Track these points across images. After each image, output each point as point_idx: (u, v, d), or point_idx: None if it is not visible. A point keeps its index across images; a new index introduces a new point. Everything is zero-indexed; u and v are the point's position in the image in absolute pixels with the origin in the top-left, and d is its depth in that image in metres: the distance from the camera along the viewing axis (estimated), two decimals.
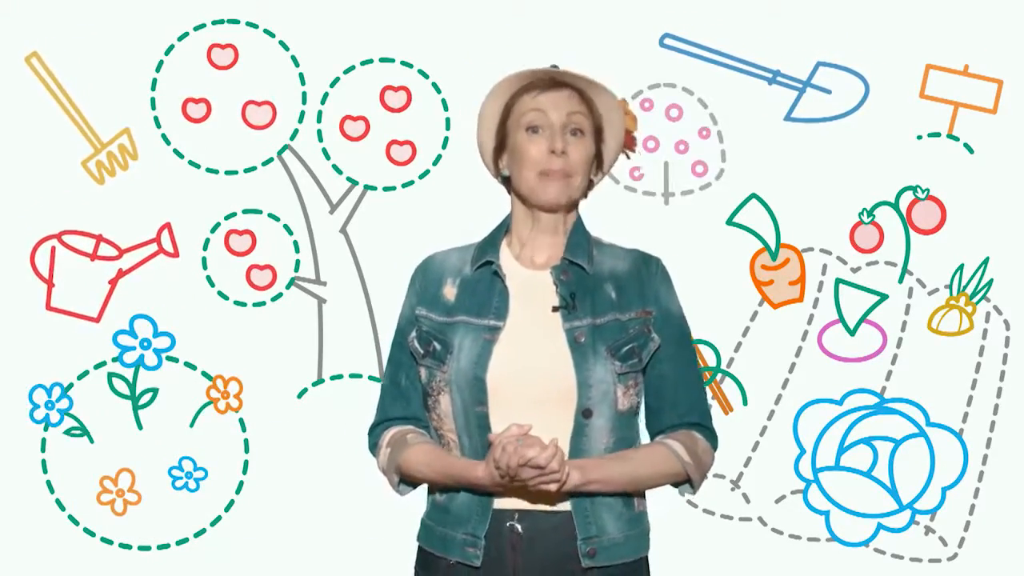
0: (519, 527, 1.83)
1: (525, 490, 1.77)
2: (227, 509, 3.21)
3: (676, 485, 1.94)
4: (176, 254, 3.17)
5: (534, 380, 1.83)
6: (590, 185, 1.96)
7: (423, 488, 1.98)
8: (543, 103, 1.88)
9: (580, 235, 1.94)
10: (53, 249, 3.15)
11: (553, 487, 1.75)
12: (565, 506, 1.84)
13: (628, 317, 1.88)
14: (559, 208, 1.91)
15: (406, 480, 1.96)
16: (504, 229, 1.97)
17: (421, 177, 3.20)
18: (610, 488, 1.83)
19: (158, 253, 3.17)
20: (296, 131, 3.19)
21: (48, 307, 3.15)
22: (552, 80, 1.89)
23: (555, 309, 1.87)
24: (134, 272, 3.17)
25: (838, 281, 3.19)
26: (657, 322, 1.91)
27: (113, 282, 3.16)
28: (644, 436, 1.96)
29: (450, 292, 1.94)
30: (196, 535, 3.20)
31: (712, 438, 1.95)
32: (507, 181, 1.96)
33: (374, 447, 2.01)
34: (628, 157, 2.02)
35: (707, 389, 2.00)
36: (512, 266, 1.93)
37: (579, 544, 1.83)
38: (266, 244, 3.19)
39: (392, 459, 1.95)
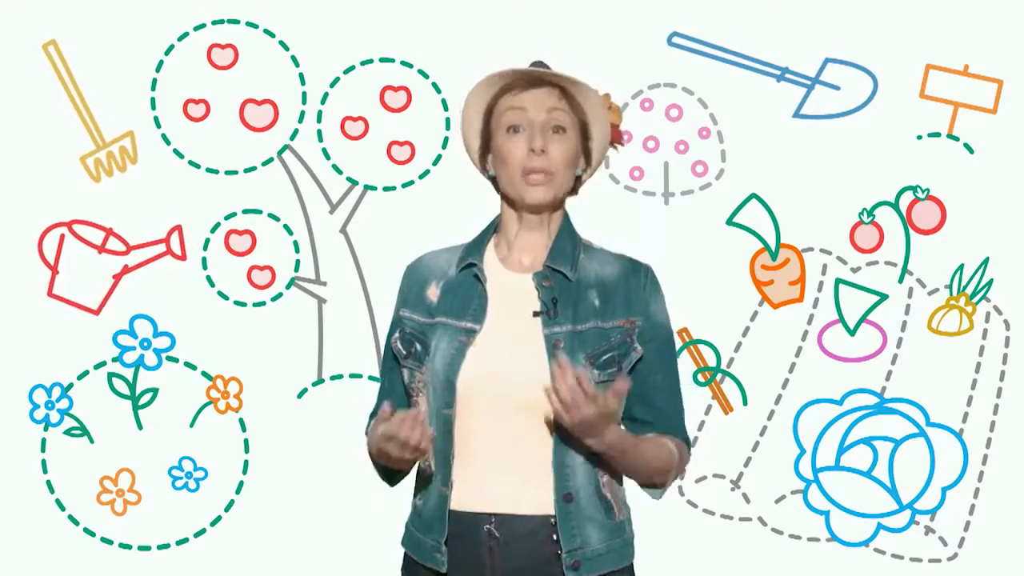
0: (496, 531, 1.82)
1: (500, 492, 1.80)
2: (227, 509, 3.21)
3: (645, 485, 1.92)
4: (184, 257, 3.17)
5: (508, 386, 1.80)
6: (579, 181, 1.92)
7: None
8: (523, 101, 1.85)
9: (566, 239, 1.90)
10: (62, 237, 3.15)
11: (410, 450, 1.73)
12: (544, 510, 1.82)
13: (610, 325, 1.85)
14: (544, 209, 1.88)
15: (388, 468, 1.94)
16: (493, 228, 1.96)
17: (421, 177, 3.20)
18: (618, 454, 1.80)
19: (166, 254, 3.17)
20: (296, 131, 3.19)
21: (50, 294, 3.15)
22: (533, 78, 1.86)
23: (536, 314, 1.84)
24: (134, 271, 3.17)
25: (838, 281, 3.19)
26: (644, 333, 1.87)
27: (117, 277, 3.16)
28: None
29: (433, 293, 1.92)
30: (196, 535, 3.20)
31: (690, 447, 1.96)
32: (494, 181, 1.93)
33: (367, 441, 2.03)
34: (616, 150, 1.98)
35: (683, 400, 1.97)
36: (496, 268, 1.91)
37: (564, 557, 1.81)
38: (266, 244, 3.19)
39: (369, 448, 1.96)
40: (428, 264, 1.97)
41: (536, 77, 1.86)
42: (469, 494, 1.83)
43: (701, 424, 3.18)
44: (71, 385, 3.17)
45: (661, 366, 1.90)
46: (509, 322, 1.85)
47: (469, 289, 1.89)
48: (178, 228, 3.17)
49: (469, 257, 1.92)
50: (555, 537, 1.81)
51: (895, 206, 3.18)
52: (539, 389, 1.77)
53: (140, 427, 3.18)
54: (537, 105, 1.85)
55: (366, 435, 2.03)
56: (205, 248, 3.19)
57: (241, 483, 3.21)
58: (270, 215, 3.19)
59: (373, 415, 2.05)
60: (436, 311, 1.90)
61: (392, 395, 1.98)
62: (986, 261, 3.18)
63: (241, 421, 3.20)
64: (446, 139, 3.19)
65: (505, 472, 1.82)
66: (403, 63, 3.18)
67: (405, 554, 1.95)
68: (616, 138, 1.95)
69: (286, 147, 3.19)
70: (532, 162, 1.83)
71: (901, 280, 3.20)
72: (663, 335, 1.91)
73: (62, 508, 3.18)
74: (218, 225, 3.18)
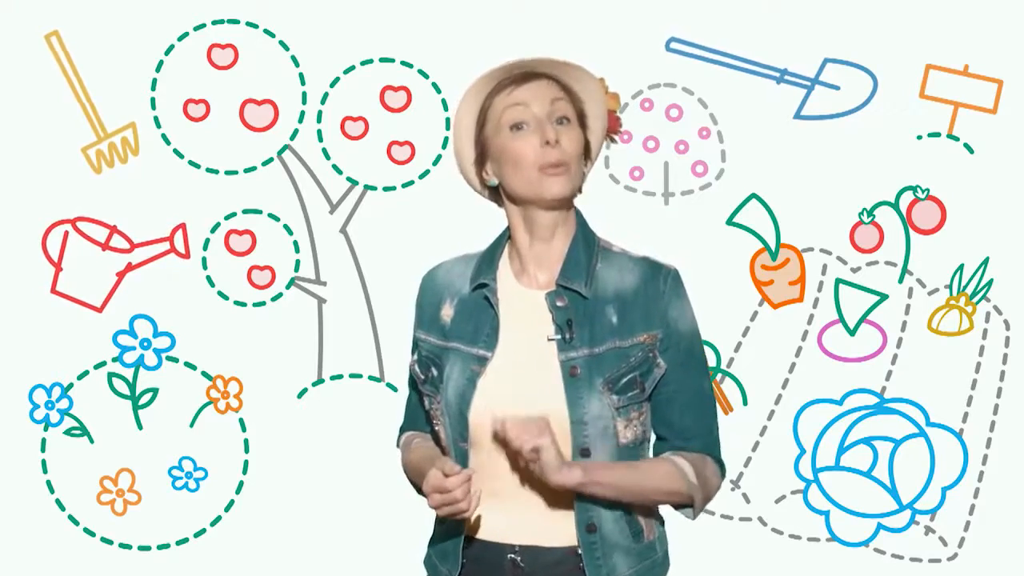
0: (521, 562, 1.76)
1: (523, 524, 1.75)
2: (227, 509, 3.21)
3: (676, 507, 1.83)
4: (187, 255, 3.17)
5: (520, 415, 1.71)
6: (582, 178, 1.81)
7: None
8: (522, 97, 1.75)
9: (580, 249, 1.80)
10: (66, 234, 3.15)
11: (454, 512, 1.68)
12: (569, 541, 1.76)
13: (630, 343, 1.75)
14: (563, 205, 1.79)
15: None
16: (507, 237, 1.87)
17: (421, 177, 3.20)
18: (610, 493, 1.73)
19: (169, 252, 3.17)
20: (296, 131, 3.19)
21: (53, 290, 3.15)
22: (525, 72, 1.77)
23: (551, 339, 1.75)
24: (134, 271, 3.17)
25: (838, 281, 3.19)
26: (663, 343, 1.78)
27: (121, 275, 3.16)
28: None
29: (447, 314, 1.85)
30: (196, 535, 3.20)
31: (721, 467, 1.85)
32: (495, 191, 1.84)
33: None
34: (614, 141, 1.89)
35: (718, 414, 1.86)
36: (510, 286, 1.82)
37: None
38: (266, 244, 3.19)
39: (403, 465, 1.96)
40: (443, 278, 1.89)
41: (530, 70, 1.78)
42: (492, 523, 1.78)
43: None
44: (71, 385, 3.17)
45: (676, 378, 1.79)
46: (523, 347, 1.77)
47: (482, 312, 1.81)
48: (182, 227, 3.17)
49: (482, 276, 1.83)
50: (581, 567, 1.75)
51: (895, 206, 3.18)
52: (555, 420, 1.70)
53: (140, 427, 3.18)
54: (539, 98, 1.76)
55: (398, 447, 2.02)
56: (205, 248, 3.18)
57: (241, 483, 3.21)
58: (270, 215, 3.19)
59: (403, 429, 2.02)
60: (450, 334, 1.83)
61: (418, 412, 1.95)
62: (986, 261, 3.18)
63: (241, 421, 3.20)
64: (446, 139, 3.19)
65: (527, 502, 1.76)
66: (403, 63, 3.18)
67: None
68: (613, 127, 1.87)
69: (286, 147, 3.19)
70: (548, 156, 1.73)
71: (901, 280, 3.20)
72: (682, 344, 1.80)
73: (62, 508, 3.18)
74: (218, 225, 3.18)
